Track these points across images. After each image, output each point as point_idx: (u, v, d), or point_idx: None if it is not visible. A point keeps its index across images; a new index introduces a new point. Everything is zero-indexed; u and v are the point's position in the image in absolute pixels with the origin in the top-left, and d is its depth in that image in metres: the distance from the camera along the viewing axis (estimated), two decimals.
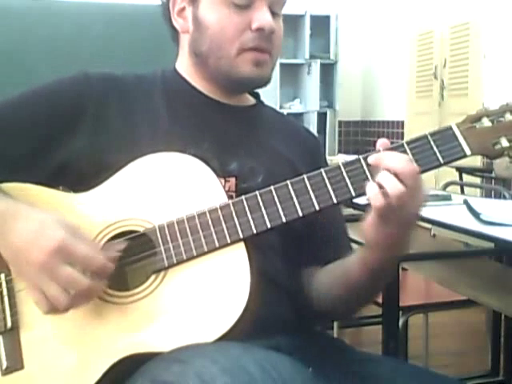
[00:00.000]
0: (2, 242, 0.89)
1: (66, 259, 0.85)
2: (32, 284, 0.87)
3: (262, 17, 1.02)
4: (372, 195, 0.84)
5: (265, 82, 1.08)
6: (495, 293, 1.91)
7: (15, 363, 0.89)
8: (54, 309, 0.86)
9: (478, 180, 3.71)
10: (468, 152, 0.87)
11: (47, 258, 0.84)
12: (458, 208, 1.71)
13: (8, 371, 0.89)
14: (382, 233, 0.86)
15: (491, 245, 1.88)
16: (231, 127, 1.08)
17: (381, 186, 0.83)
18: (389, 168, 0.83)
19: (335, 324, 2.49)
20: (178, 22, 1.08)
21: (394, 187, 0.82)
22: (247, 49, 1.02)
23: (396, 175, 0.82)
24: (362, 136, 6.37)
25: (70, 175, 1.01)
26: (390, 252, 0.90)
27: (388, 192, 0.82)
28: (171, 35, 1.12)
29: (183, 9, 1.07)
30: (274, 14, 1.05)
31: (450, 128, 0.88)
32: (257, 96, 1.17)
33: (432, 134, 0.87)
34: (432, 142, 0.87)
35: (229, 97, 1.09)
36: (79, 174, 0.99)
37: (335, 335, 2.46)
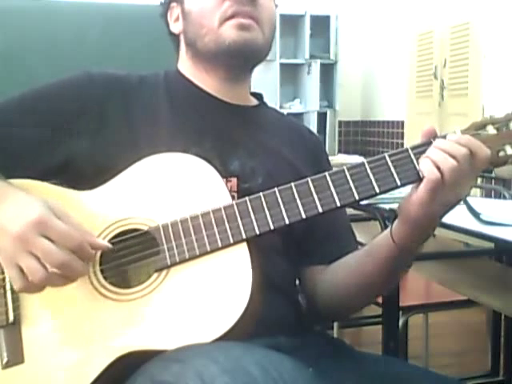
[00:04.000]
0: None
1: (43, 232, 0.84)
2: (8, 258, 0.86)
3: None
4: (426, 168, 0.84)
5: (254, 48, 1.05)
6: (495, 293, 1.90)
7: (16, 357, 0.90)
8: (29, 285, 0.85)
9: (478, 180, 3.71)
10: None
11: (24, 229, 0.84)
12: (458, 208, 1.71)
13: (8, 365, 0.90)
14: (427, 210, 0.86)
15: (491, 245, 1.88)
16: (233, 127, 1.08)
17: (432, 161, 0.84)
18: (438, 147, 0.85)
19: (335, 324, 2.49)
20: (176, 27, 1.12)
21: (445, 161, 0.83)
22: (228, 17, 1.03)
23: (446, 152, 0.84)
24: (361, 136, 6.37)
25: (70, 174, 1.01)
26: (423, 231, 0.91)
27: (440, 166, 0.83)
28: (174, 46, 1.15)
29: (178, 16, 1.11)
30: None
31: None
32: (260, 97, 1.17)
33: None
34: None
35: (232, 90, 1.09)
36: (80, 173, 1.00)
37: (335, 335, 2.46)
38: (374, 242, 0.99)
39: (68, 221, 0.87)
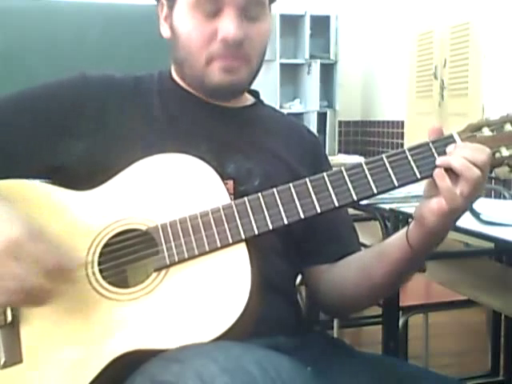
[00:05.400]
0: None
1: (16, 255, 0.82)
2: None
3: (226, 27, 0.99)
4: (447, 193, 0.84)
5: (240, 88, 1.06)
6: (495, 293, 1.91)
7: (14, 357, 0.89)
8: (9, 302, 0.85)
9: None
10: None
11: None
12: None
13: (6, 365, 0.89)
14: (447, 219, 0.87)
15: (491, 245, 1.88)
16: (228, 129, 1.08)
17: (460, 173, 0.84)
18: (466, 157, 0.84)
19: (335, 324, 2.49)
20: (163, 28, 1.09)
21: (474, 175, 0.84)
22: (215, 57, 1.01)
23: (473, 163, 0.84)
24: (361, 136, 6.37)
25: (67, 175, 1.01)
26: (439, 236, 0.92)
27: (468, 178, 0.83)
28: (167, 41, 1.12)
29: (167, 16, 1.07)
30: (250, 18, 1.01)
31: (452, 136, 0.89)
32: (256, 95, 1.17)
33: (433, 142, 0.89)
34: (433, 150, 0.88)
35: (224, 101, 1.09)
36: (76, 174, 1.00)
37: (335, 335, 2.46)
38: (386, 242, 0.99)
39: (41, 239, 0.84)
